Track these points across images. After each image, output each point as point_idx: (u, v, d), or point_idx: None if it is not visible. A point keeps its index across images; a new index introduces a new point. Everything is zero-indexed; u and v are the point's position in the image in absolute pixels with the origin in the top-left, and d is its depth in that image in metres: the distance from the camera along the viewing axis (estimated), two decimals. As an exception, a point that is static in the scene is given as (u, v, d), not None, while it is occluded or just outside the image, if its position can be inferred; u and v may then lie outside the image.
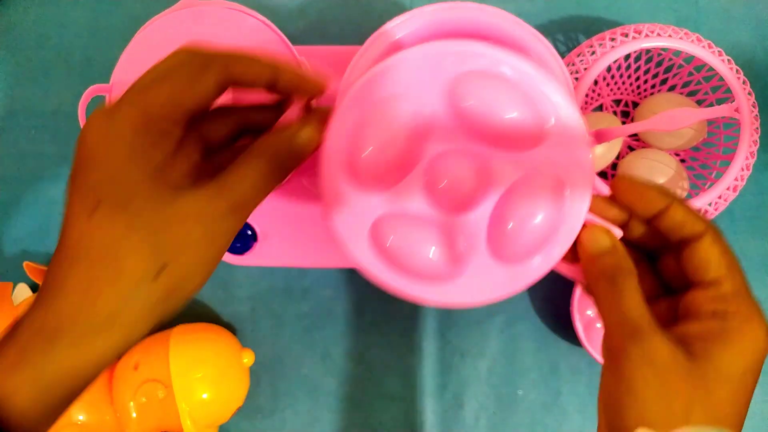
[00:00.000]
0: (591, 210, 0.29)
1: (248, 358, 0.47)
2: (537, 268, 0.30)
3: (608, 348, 0.28)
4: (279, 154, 0.28)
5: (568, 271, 0.31)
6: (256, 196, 0.27)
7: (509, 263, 0.30)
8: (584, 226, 0.29)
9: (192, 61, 0.27)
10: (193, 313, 0.52)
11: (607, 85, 0.51)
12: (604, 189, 0.42)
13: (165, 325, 0.48)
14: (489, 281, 0.30)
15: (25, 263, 0.49)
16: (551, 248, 0.29)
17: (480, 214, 0.30)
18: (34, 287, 0.50)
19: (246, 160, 0.27)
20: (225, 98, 0.28)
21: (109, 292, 0.24)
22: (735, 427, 0.26)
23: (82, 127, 0.26)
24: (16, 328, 0.25)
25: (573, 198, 0.29)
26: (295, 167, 0.28)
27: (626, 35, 0.44)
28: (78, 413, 0.44)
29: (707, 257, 0.28)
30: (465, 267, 0.30)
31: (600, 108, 0.52)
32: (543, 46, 0.38)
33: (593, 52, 0.44)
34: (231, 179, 0.26)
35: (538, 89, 0.28)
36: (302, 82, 0.29)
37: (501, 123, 0.29)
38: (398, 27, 0.32)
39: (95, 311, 0.24)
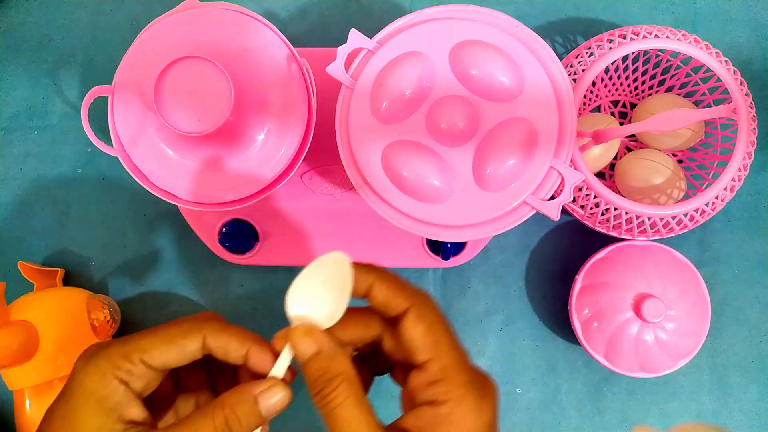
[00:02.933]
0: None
1: (249, 356, 0.48)
2: (510, 194, 0.37)
3: None
4: (237, 416, 0.26)
5: (540, 206, 0.37)
6: None
7: (489, 190, 0.37)
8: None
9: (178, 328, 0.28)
10: (195, 312, 0.52)
11: (605, 86, 0.51)
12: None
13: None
14: (474, 203, 0.37)
15: (19, 263, 0.49)
16: (522, 181, 0.37)
17: (468, 148, 0.38)
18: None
19: (196, 420, 0.26)
20: None
21: None
22: None
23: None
24: None
25: (542, 143, 0.37)
26: (257, 428, 0.27)
27: (624, 37, 0.45)
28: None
29: (411, 336, 0.27)
30: (454, 189, 0.37)
31: (598, 109, 0.53)
32: (541, 47, 0.39)
33: (591, 54, 0.45)
34: None
35: (521, 58, 0.38)
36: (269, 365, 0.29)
37: (490, 80, 0.38)
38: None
39: None
